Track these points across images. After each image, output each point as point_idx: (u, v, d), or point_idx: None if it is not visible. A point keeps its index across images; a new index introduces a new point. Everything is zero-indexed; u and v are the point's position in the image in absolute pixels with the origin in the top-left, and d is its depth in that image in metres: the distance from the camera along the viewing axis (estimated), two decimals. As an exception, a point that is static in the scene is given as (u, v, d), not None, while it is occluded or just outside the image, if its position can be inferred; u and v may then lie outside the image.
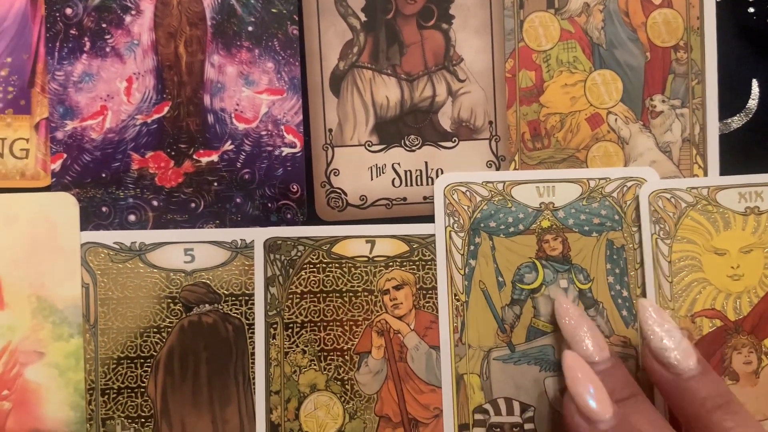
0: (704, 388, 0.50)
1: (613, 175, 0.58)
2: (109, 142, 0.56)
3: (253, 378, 0.55)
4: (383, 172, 0.57)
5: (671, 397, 0.51)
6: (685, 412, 0.50)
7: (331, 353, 0.56)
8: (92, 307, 0.55)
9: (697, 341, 0.57)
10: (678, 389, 0.50)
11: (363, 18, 0.57)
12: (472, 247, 0.57)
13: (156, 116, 0.56)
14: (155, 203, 0.56)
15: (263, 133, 0.56)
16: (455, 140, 0.58)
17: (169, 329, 0.55)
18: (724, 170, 0.58)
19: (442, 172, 0.57)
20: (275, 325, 0.56)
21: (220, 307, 0.56)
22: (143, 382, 0.55)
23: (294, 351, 0.56)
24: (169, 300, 0.55)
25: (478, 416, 0.56)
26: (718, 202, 0.57)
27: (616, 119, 0.58)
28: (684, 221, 0.57)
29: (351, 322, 0.56)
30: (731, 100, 0.58)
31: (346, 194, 0.57)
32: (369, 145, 0.57)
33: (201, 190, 0.56)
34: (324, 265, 0.56)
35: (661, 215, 0.57)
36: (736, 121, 0.58)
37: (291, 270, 0.56)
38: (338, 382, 0.56)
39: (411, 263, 0.57)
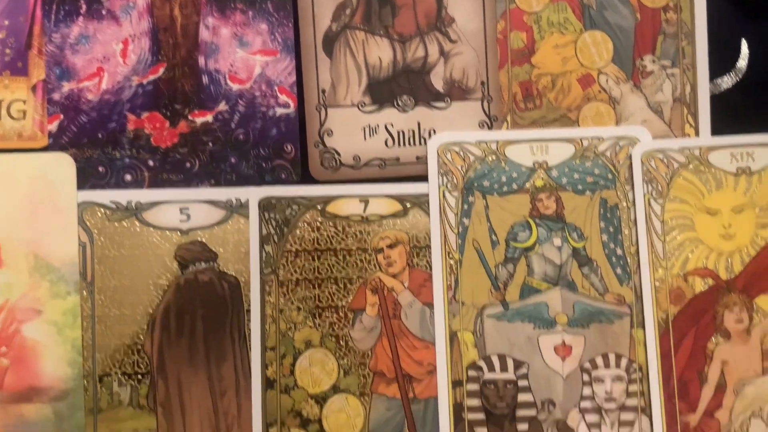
0: None
1: (606, 135, 0.58)
2: (106, 103, 0.56)
3: (249, 335, 0.56)
4: (376, 133, 0.58)
5: None
6: None
7: (326, 310, 0.57)
8: (89, 265, 0.56)
9: (690, 300, 0.57)
10: None
11: (356, -20, 0.58)
12: (465, 206, 0.57)
13: (151, 77, 0.57)
14: (151, 163, 0.56)
15: (257, 93, 0.57)
16: (447, 101, 0.58)
17: (166, 287, 0.56)
18: (715, 130, 0.59)
19: (434, 133, 0.58)
20: (270, 283, 0.56)
21: (216, 265, 0.56)
22: (140, 339, 0.56)
23: (289, 308, 0.56)
24: (165, 258, 0.56)
25: (471, 372, 0.57)
26: (710, 162, 0.58)
27: (607, 79, 0.59)
28: (676, 181, 0.57)
29: (345, 280, 0.57)
30: (721, 60, 0.59)
31: (339, 154, 0.58)
32: (362, 106, 0.58)
33: (196, 150, 0.57)
34: (318, 224, 0.57)
35: (654, 175, 0.57)
36: (726, 81, 0.59)
37: (285, 229, 0.57)
38: (333, 339, 0.57)
39: (405, 222, 0.57)
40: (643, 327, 0.57)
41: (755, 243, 0.57)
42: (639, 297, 0.57)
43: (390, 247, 0.57)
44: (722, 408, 0.57)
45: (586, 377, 0.57)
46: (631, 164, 0.58)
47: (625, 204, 0.58)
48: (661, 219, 0.57)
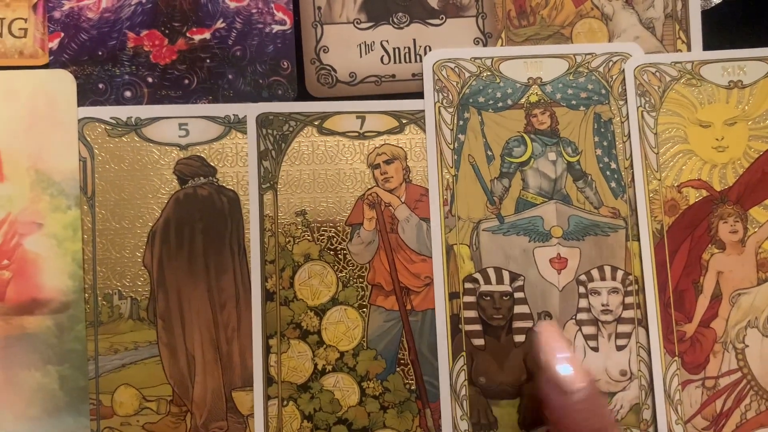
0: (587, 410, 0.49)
1: (599, 51, 0.59)
2: (105, 21, 0.57)
3: (248, 248, 0.56)
4: (372, 50, 0.59)
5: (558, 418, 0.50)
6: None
7: (324, 224, 0.57)
8: (89, 179, 0.56)
9: (684, 210, 0.58)
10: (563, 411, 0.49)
11: None
12: (461, 122, 0.58)
13: (150, -4, 0.58)
14: (150, 80, 0.57)
15: (254, 10, 0.58)
16: (442, 17, 0.59)
17: (165, 201, 0.57)
18: (707, 46, 0.59)
19: (430, 49, 0.59)
20: (268, 198, 0.57)
21: (215, 180, 0.57)
22: (140, 253, 0.56)
23: (287, 222, 0.57)
24: (165, 173, 0.57)
25: (468, 285, 0.57)
26: (702, 76, 0.58)
27: (600, -4, 0.60)
28: (669, 94, 0.58)
29: (343, 195, 0.58)
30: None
31: (335, 71, 0.58)
32: (357, 23, 0.59)
33: (194, 66, 0.57)
34: (315, 140, 0.58)
35: (647, 88, 0.58)
36: (718, -4, 0.59)
37: (283, 144, 0.57)
38: (331, 252, 0.57)
39: (401, 138, 0.58)
40: (638, 239, 0.57)
41: (748, 155, 0.58)
42: (633, 209, 0.58)
43: (387, 162, 0.58)
44: (718, 318, 0.57)
45: (582, 289, 0.57)
46: (624, 79, 0.58)
47: (618, 118, 0.58)
48: (654, 131, 0.58)
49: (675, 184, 0.58)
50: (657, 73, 0.58)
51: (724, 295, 0.57)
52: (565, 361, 0.49)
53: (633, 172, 0.58)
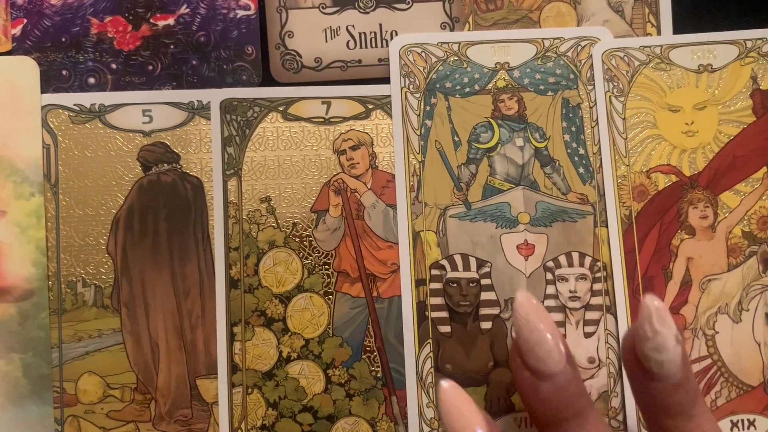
0: (675, 396, 0.46)
1: (568, 35, 0.58)
2: (69, 8, 0.57)
3: (212, 235, 0.56)
4: (338, 35, 0.58)
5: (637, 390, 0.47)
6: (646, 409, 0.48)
7: (289, 211, 0.57)
8: (53, 166, 0.56)
9: (653, 196, 0.57)
10: (647, 389, 0.46)
11: None
12: (427, 108, 0.58)
13: (113, -18, 0.57)
14: (114, 66, 0.57)
15: (218, -5, 0.57)
16: (409, 2, 0.58)
17: (129, 188, 0.56)
18: (677, 29, 0.59)
19: (396, 34, 0.58)
20: (233, 184, 0.57)
21: (179, 166, 0.57)
22: (104, 240, 0.56)
23: (252, 209, 0.57)
24: (129, 160, 0.56)
25: (434, 272, 0.57)
26: (671, 60, 0.58)
27: (568, -21, 0.59)
28: (637, 79, 0.57)
29: (308, 181, 0.57)
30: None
31: (300, 56, 0.58)
32: (323, 8, 0.58)
33: (158, 52, 0.57)
34: (280, 126, 0.57)
35: (615, 73, 0.57)
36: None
37: (248, 130, 0.57)
38: (296, 239, 0.57)
39: (367, 124, 0.58)
40: (607, 225, 0.57)
41: (718, 140, 0.57)
42: (602, 195, 0.57)
43: (352, 148, 0.58)
44: (688, 304, 0.57)
45: (549, 276, 0.57)
46: (592, 64, 0.58)
47: (587, 104, 0.58)
48: (622, 116, 0.57)
49: (644, 170, 0.57)
50: (625, 58, 0.57)
51: (693, 281, 0.57)
52: (542, 343, 0.45)
53: (601, 157, 0.57)
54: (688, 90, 0.57)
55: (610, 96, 0.57)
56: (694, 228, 0.57)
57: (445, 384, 0.45)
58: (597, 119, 0.57)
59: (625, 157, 0.57)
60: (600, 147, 0.57)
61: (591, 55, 0.58)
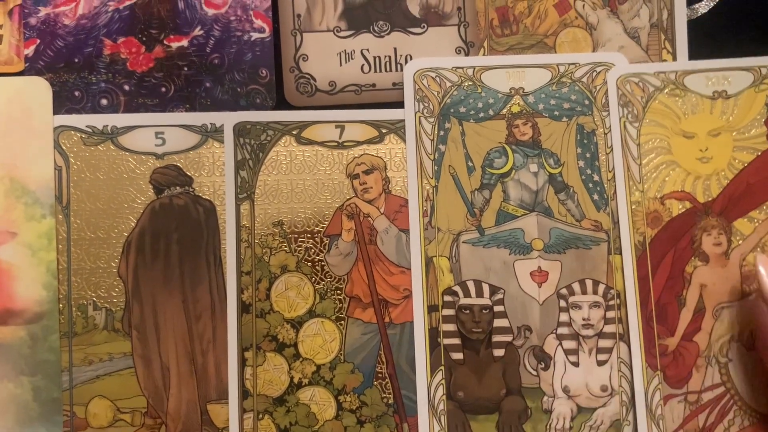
0: None
1: (583, 61, 0.58)
2: (82, 28, 0.57)
3: (224, 259, 0.56)
4: (352, 58, 0.58)
5: None
6: None
7: (302, 235, 0.57)
8: (65, 188, 0.56)
9: (667, 223, 0.57)
10: None
11: None
12: (441, 133, 0.57)
13: (128, 2, 0.57)
14: (127, 87, 0.57)
15: (232, 18, 0.57)
16: (424, 26, 0.58)
17: (141, 211, 0.56)
18: (693, 56, 0.58)
19: (411, 58, 0.58)
20: (245, 208, 0.56)
21: (191, 189, 0.56)
22: (115, 263, 0.56)
23: (264, 233, 0.56)
24: (141, 182, 0.56)
25: (447, 298, 0.56)
26: (685, 86, 0.57)
27: (583, 5, 0.59)
28: (652, 105, 0.57)
29: (321, 206, 0.57)
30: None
31: (315, 80, 0.58)
32: (338, 31, 0.58)
33: (171, 74, 0.57)
34: (293, 150, 0.57)
35: (629, 99, 0.57)
36: (704, 6, 0.58)
37: (261, 154, 0.57)
38: (309, 264, 0.56)
39: (381, 148, 0.57)
40: (620, 252, 0.56)
41: (732, 166, 0.57)
42: (616, 222, 0.57)
43: (366, 173, 0.57)
44: (701, 331, 0.56)
45: (563, 303, 0.57)
46: (607, 90, 0.57)
47: (601, 130, 0.57)
48: (637, 142, 0.57)
49: (658, 196, 0.57)
50: (640, 83, 0.57)
51: (707, 309, 0.56)
52: None
53: (615, 183, 0.57)
54: (702, 116, 0.57)
55: (624, 121, 0.57)
56: (708, 255, 0.57)
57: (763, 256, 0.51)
58: (612, 145, 0.57)
59: (640, 183, 0.57)
60: (614, 172, 0.57)
61: (606, 81, 0.57)
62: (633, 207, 0.57)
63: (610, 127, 0.57)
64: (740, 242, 0.57)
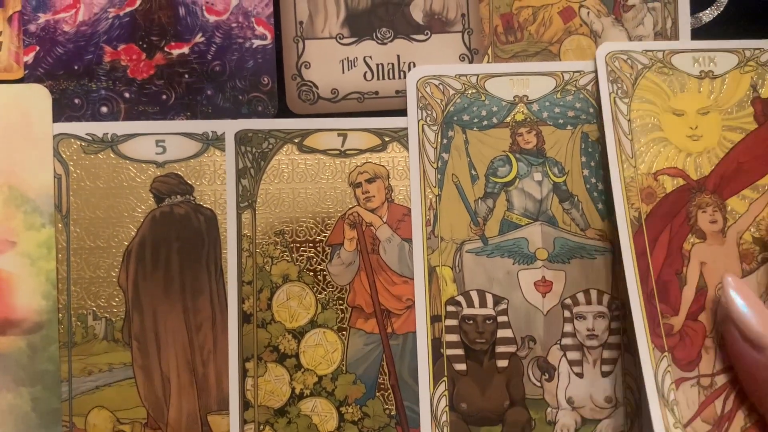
0: None
1: (587, 68, 0.57)
2: (82, 35, 0.56)
3: (225, 268, 0.55)
4: (355, 66, 0.57)
5: (750, 372, 0.50)
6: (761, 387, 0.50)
7: (304, 245, 0.56)
8: (64, 197, 0.55)
9: (662, 199, 0.56)
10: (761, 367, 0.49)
11: None
12: (445, 141, 0.57)
13: (128, 9, 0.56)
14: (127, 95, 0.56)
15: (234, 25, 0.56)
16: (427, 33, 0.58)
17: (141, 220, 0.55)
18: (700, 64, 0.58)
19: (414, 66, 0.57)
20: (247, 217, 0.56)
21: (192, 198, 0.56)
22: (115, 272, 0.55)
23: (266, 242, 0.56)
24: (141, 191, 0.56)
25: (450, 308, 0.56)
26: (673, 65, 0.57)
27: (588, 13, 0.58)
28: (641, 82, 0.57)
29: (323, 215, 0.56)
30: (702, -6, 0.58)
31: (317, 87, 0.57)
32: (340, 38, 0.57)
33: (172, 82, 0.56)
34: (295, 158, 0.56)
35: (619, 75, 0.56)
36: (708, 15, 0.58)
37: (262, 162, 0.56)
38: (310, 273, 0.56)
39: (383, 157, 0.57)
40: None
41: (722, 145, 0.56)
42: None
43: (368, 181, 0.57)
44: (705, 311, 0.55)
45: (567, 313, 0.56)
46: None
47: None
48: (627, 118, 0.56)
49: (651, 172, 0.56)
50: (628, 60, 0.56)
51: (709, 287, 0.55)
52: (757, 317, 0.49)
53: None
54: (691, 95, 0.57)
55: (614, 97, 0.56)
56: (705, 232, 0.56)
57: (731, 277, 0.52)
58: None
59: (632, 158, 0.56)
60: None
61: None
62: (627, 182, 0.56)
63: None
64: (736, 220, 0.56)
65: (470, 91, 0.57)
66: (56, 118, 0.56)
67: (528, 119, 0.57)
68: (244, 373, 0.55)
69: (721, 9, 0.58)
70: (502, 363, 0.56)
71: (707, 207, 0.56)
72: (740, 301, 0.50)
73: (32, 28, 0.56)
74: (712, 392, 0.54)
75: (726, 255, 0.55)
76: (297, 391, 0.55)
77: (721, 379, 0.54)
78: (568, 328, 0.56)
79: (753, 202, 0.56)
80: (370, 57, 0.57)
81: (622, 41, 0.58)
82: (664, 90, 0.56)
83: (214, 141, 0.56)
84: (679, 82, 0.57)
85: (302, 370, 0.55)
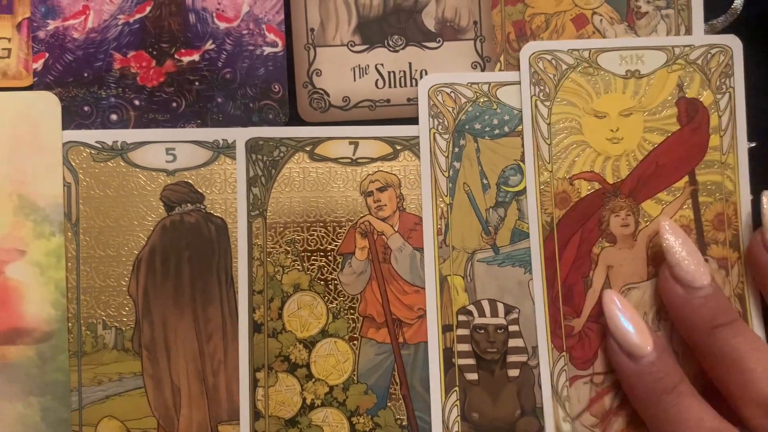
0: (714, 307, 0.51)
1: (599, 77, 0.57)
2: (91, 42, 0.55)
3: (236, 277, 0.55)
4: (366, 73, 0.57)
5: (681, 315, 0.52)
6: (691, 329, 0.52)
7: (315, 254, 0.56)
8: (74, 205, 0.55)
9: (576, 203, 0.56)
10: (688, 307, 0.51)
11: None
12: (456, 149, 0.56)
13: (138, 16, 0.56)
14: (137, 102, 0.56)
15: (244, 32, 0.56)
16: (439, 41, 0.57)
17: (151, 228, 0.55)
18: (712, 72, 0.58)
19: (426, 73, 0.57)
20: (258, 225, 0.55)
21: (203, 206, 0.55)
22: (125, 281, 0.55)
23: (277, 251, 0.55)
24: (151, 199, 0.55)
25: (461, 317, 0.56)
26: (599, 64, 0.57)
27: (601, 20, 0.58)
28: (564, 83, 0.56)
29: (334, 223, 0.56)
30: (716, 1, 0.58)
31: (328, 95, 0.57)
32: (352, 45, 0.57)
33: (182, 89, 0.56)
34: (307, 166, 0.56)
35: (542, 76, 0.56)
36: (722, 22, 0.58)
37: (273, 170, 0.56)
38: (322, 283, 0.56)
39: (395, 165, 0.56)
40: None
41: (642, 147, 0.56)
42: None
43: (380, 190, 0.56)
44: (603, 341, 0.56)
45: (578, 323, 0.56)
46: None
47: (618, 147, 0.57)
48: (547, 122, 0.56)
49: (567, 176, 0.56)
50: (553, 61, 0.56)
51: (613, 290, 0.56)
52: (689, 258, 0.51)
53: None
54: (615, 96, 0.56)
55: (536, 100, 0.56)
56: (615, 236, 0.56)
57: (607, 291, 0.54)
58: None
59: (549, 163, 0.56)
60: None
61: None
62: (541, 188, 0.56)
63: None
64: (648, 224, 0.56)
65: (482, 100, 0.57)
66: (65, 126, 0.55)
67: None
68: (254, 383, 0.55)
69: (736, 16, 0.57)
70: (513, 372, 0.56)
71: (620, 211, 0.56)
72: (617, 311, 0.52)
73: (41, 35, 0.55)
74: (603, 389, 0.56)
75: (634, 258, 0.56)
76: (308, 402, 0.55)
77: (612, 377, 0.55)
78: (579, 337, 0.56)
79: (667, 206, 0.56)
80: (382, 64, 0.57)
81: (634, 49, 0.58)
82: (588, 91, 0.56)
83: (225, 149, 0.55)
84: (603, 82, 0.56)
85: (313, 380, 0.55)
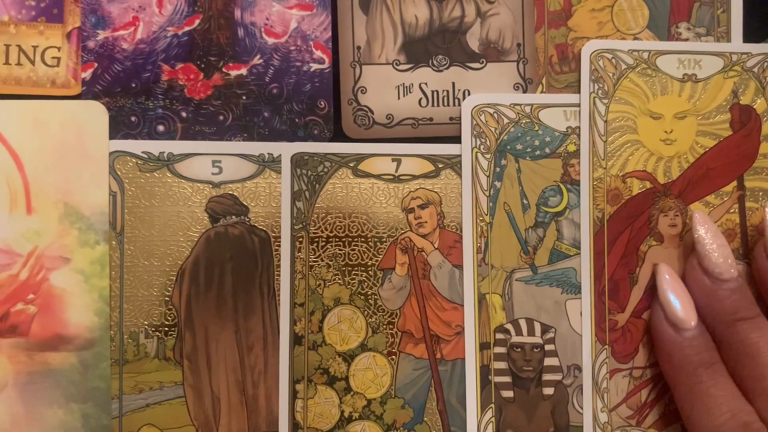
0: (738, 300, 0.52)
1: (639, 101, 0.58)
2: (140, 53, 0.56)
3: (278, 290, 0.56)
4: (410, 92, 0.58)
5: (705, 304, 0.53)
6: (714, 319, 0.53)
7: (356, 268, 0.56)
8: (119, 215, 0.55)
9: (627, 201, 0.57)
10: (713, 297, 0.53)
11: (394, -62, 0.58)
12: (497, 169, 0.57)
13: (187, 28, 0.56)
14: (184, 114, 0.56)
15: (292, 48, 0.57)
16: (483, 61, 0.58)
17: (195, 239, 0.56)
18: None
19: (468, 93, 0.58)
20: (301, 239, 0.56)
21: (247, 219, 0.56)
22: (168, 291, 0.55)
23: (319, 265, 0.56)
24: (196, 210, 0.56)
25: (499, 335, 0.56)
26: (657, 66, 0.58)
27: (643, 45, 0.59)
28: (623, 83, 0.57)
29: (375, 239, 0.57)
30: (756, 28, 0.59)
31: (372, 112, 0.57)
32: (397, 64, 0.57)
33: (230, 103, 0.56)
34: (350, 182, 0.57)
35: (601, 74, 0.57)
36: (761, 48, 0.58)
37: (317, 185, 0.56)
38: (362, 297, 0.56)
39: (436, 183, 0.57)
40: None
41: (694, 150, 0.58)
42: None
43: (421, 207, 0.57)
44: (650, 310, 0.57)
45: (612, 343, 0.57)
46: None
47: (656, 171, 0.58)
48: (604, 119, 0.57)
49: (620, 174, 0.57)
50: (613, 60, 0.57)
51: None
52: (718, 251, 0.53)
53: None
54: (670, 98, 0.58)
55: (594, 97, 0.57)
56: (663, 235, 0.57)
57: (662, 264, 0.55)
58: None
59: (603, 159, 0.57)
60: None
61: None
62: (595, 183, 0.57)
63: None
64: None
65: (524, 121, 0.57)
66: (112, 136, 0.56)
67: (580, 150, 0.58)
68: (294, 395, 0.55)
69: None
70: (548, 390, 0.56)
71: (669, 211, 0.57)
72: (668, 283, 0.54)
73: (91, 44, 0.56)
74: (641, 383, 0.57)
75: (679, 259, 0.57)
76: (346, 414, 0.56)
77: (652, 371, 0.57)
78: (613, 357, 0.57)
79: (714, 209, 0.57)
80: (426, 84, 0.58)
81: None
82: (645, 92, 0.57)
83: (270, 163, 0.56)
84: (660, 84, 0.58)
85: (351, 393, 0.56)
